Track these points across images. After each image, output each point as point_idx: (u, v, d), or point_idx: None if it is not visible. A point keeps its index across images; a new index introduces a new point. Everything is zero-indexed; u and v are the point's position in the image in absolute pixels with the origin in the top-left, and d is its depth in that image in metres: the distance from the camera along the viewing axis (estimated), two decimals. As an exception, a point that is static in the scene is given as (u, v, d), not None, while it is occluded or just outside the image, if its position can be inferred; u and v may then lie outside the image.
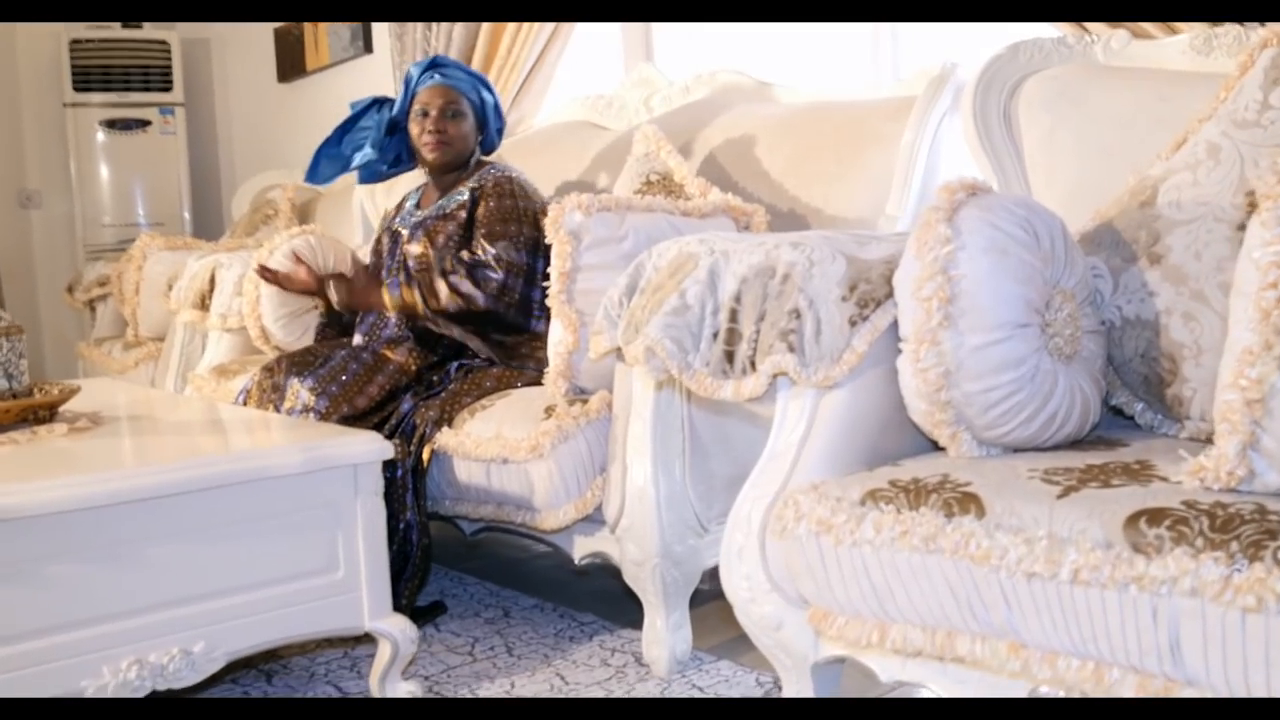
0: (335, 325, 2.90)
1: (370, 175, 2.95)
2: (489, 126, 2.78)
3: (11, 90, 5.25)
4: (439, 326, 2.51)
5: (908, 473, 1.50)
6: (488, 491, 2.21)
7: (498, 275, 2.49)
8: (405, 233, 2.71)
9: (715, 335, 1.71)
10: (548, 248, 2.60)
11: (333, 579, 1.87)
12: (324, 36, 4.69)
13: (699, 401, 2.07)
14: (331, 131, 2.95)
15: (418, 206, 2.80)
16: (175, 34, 5.23)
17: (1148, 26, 2.14)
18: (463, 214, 2.62)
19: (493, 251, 2.51)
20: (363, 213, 3.98)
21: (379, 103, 2.87)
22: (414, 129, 2.74)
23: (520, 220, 2.58)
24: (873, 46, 2.88)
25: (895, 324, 1.60)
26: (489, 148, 2.81)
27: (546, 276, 2.59)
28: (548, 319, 2.59)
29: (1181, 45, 2.01)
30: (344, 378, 2.43)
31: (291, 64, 4.93)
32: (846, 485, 1.52)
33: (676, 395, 2.04)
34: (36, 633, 1.60)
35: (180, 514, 1.71)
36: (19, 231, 5.32)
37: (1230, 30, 1.95)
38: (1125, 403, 1.72)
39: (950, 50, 2.68)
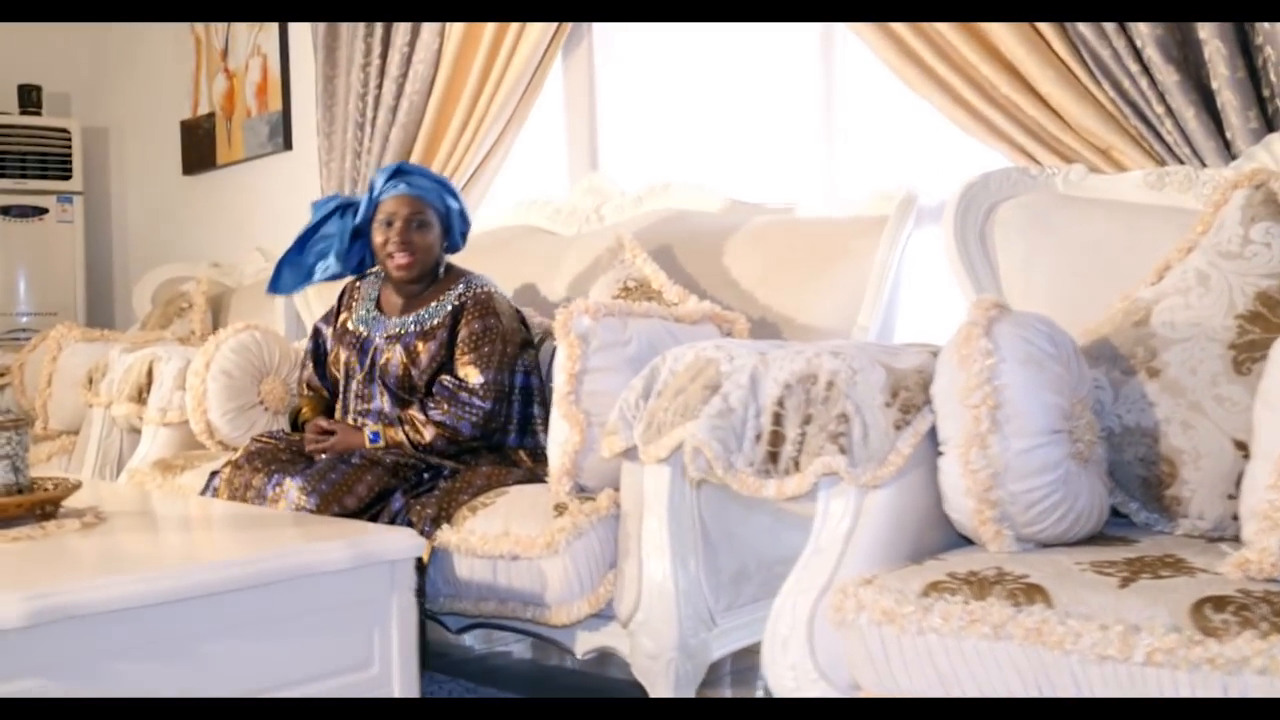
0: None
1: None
2: (454, 231, 2.79)
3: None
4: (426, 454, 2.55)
5: (958, 566, 1.63)
6: (491, 588, 2.24)
7: (485, 405, 2.55)
8: (378, 341, 2.72)
9: (758, 437, 1.82)
10: (526, 362, 2.71)
11: (368, 676, 1.88)
12: (238, 130, 4.68)
13: (707, 499, 2.16)
14: (293, 241, 2.88)
15: (378, 308, 2.80)
16: (76, 122, 5.13)
17: (1100, 160, 2.38)
18: (443, 332, 2.64)
19: (480, 380, 2.56)
20: (293, 307, 3.96)
21: (342, 207, 2.83)
22: (378, 238, 2.71)
23: (505, 340, 2.63)
24: (824, 163, 3.08)
25: (933, 429, 1.75)
26: (453, 248, 2.83)
27: (527, 391, 2.69)
28: (531, 432, 2.66)
29: (1136, 180, 2.25)
30: (333, 476, 2.42)
31: (199, 157, 4.89)
32: (903, 578, 1.63)
33: (689, 493, 2.13)
34: (95, 734, 1.57)
35: (230, 611, 1.70)
36: (-113, 316, 5.06)
37: (1179, 170, 2.21)
38: (1121, 502, 1.89)
39: (888, 174, 2.91)
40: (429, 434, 2.52)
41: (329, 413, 2.83)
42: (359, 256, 2.86)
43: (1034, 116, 2.47)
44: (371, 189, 2.76)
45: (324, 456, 2.54)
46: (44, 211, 4.95)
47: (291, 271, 2.89)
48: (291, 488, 2.41)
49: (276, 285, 2.93)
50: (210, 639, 1.68)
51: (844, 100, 3.01)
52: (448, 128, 3.70)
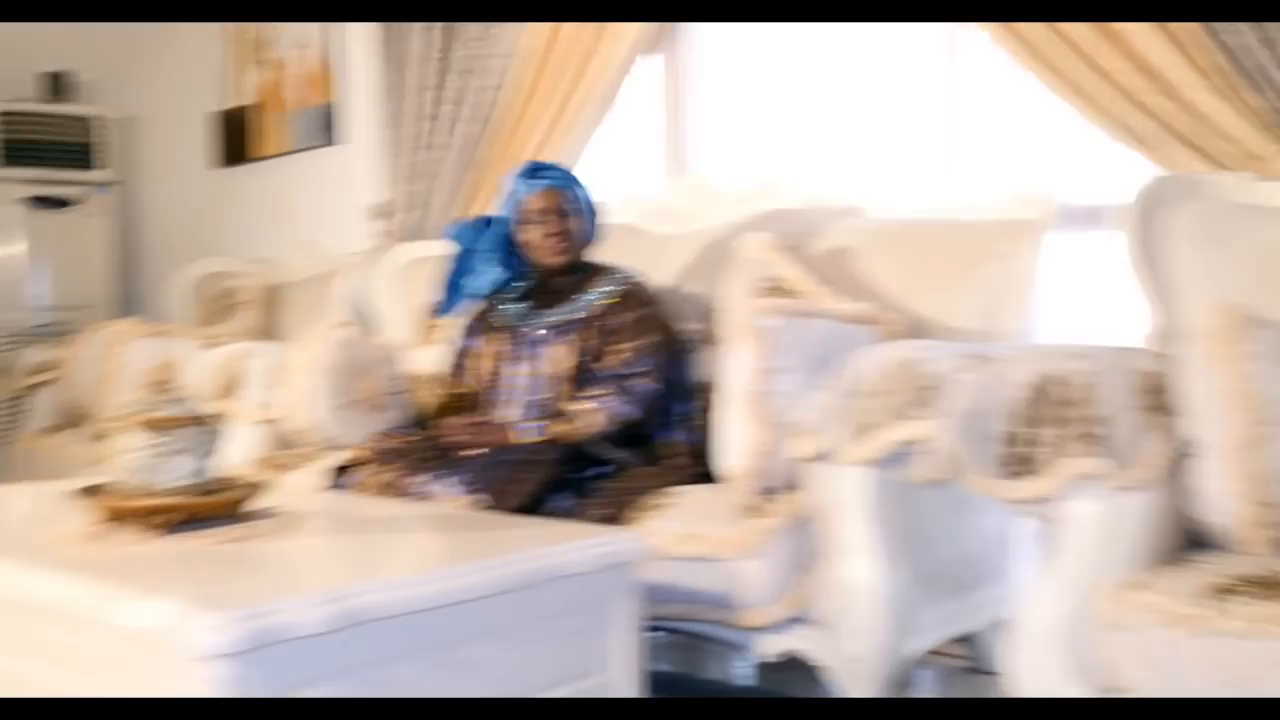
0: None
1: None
2: (589, 221, 2.81)
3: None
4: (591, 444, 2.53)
5: (1225, 569, 1.64)
6: (673, 590, 2.21)
7: (651, 388, 2.56)
8: (533, 333, 2.73)
9: (999, 438, 1.82)
10: (679, 355, 2.70)
11: (599, 681, 1.84)
12: (280, 123, 4.57)
13: (901, 500, 2.16)
14: (453, 263, 2.90)
15: (527, 303, 2.81)
16: (108, 111, 4.97)
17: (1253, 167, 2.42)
18: (601, 321, 2.67)
19: (644, 366, 2.58)
20: (354, 306, 3.88)
21: (481, 223, 2.87)
22: (531, 235, 2.74)
23: (661, 329, 2.67)
24: (942, 165, 3.09)
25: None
26: (589, 241, 2.83)
27: (679, 384, 2.67)
28: (681, 427, 2.65)
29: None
30: (496, 473, 2.38)
31: (234, 149, 4.77)
32: (1176, 581, 1.64)
33: (887, 495, 2.12)
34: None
35: (489, 614, 1.66)
36: (-92, 310, 4.86)
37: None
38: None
39: (1004, 178, 2.94)
40: (600, 420, 2.50)
41: (462, 413, 2.78)
42: (516, 265, 2.85)
43: (1182, 121, 2.50)
44: (513, 193, 2.78)
45: (475, 452, 2.49)
46: (74, 203, 4.80)
47: (457, 292, 2.90)
48: (453, 485, 2.36)
49: (447, 308, 2.94)
50: (472, 642, 1.64)
51: (967, 102, 3.03)
52: (526, 124, 3.65)
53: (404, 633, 1.53)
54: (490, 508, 2.30)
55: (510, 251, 2.82)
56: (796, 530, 2.17)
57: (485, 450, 2.50)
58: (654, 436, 2.61)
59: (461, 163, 3.79)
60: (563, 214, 2.72)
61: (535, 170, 2.77)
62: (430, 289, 3.45)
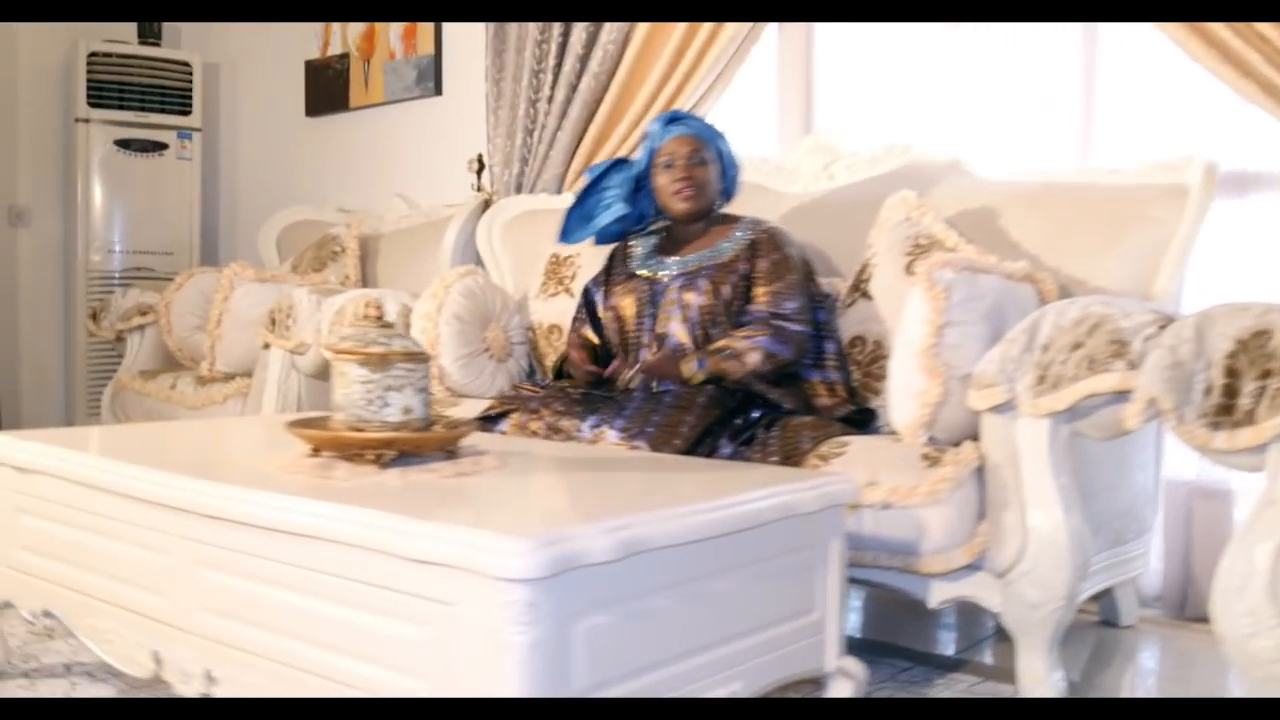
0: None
1: (609, 236, 2.94)
2: (728, 175, 2.85)
3: (9, 101, 4.84)
4: (740, 383, 2.56)
5: None
6: (854, 536, 2.26)
7: (801, 329, 2.62)
8: (671, 280, 2.76)
9: (1208, 390, 1.87)
10: (820, 297, 2.76)
11: (810, 620, 1.89)
12: (377, 73, 4.58)
13: (1073, 451, 2.20)
14: (576, 196, 2.96)
15: (660, 253, 2.84)
16: (197, 55, 4.97)
17: None
18: (740, 265, 2.72)
19: (792, 305, 2.64)
20: (462, 254, 3.91)
21: (618, 164, 2.92)
22: (661, 180, 2.80)
23: (800, 271, 2.72)
24: (1080, 129, 3.12)
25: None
26: (726, 194, 2.88)
27: (821, 324, 2.72)
28: (824, 366, 2.70)
29: None
30: (655, 418, 2.42)
31: (327, 98, 4.77)
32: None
33: (1063, 445, 2.16)
34: (640, 670, 1.57)
35: (728, 551, 1.70)
36: (2, 250, 4.87)
37: None
38: None
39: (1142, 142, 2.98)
40: (756, 358, 2.55)
41: (601, 364, 2.83)
42: (642, 208, 2.92)
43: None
44: (650, 138, 2.84)
45: (634, 398, 2.53)
46: (164, 147, 4.80)
47: (578, 221, 2.94)
48: (610, 431, 2.40)
49: (567, 236, 2.97)
50: (716, 577, 1.68)
51: (1106, 69, 3.05)
52: (644, 80, 3.67)
53: (661, 566, 1.57)
54: (654, 451, 2.34)
55: (640, 194, 2.88)
56: (973, 480, 2.21)
57: (655, 382, 2.56)
58: (800, 375, 2.66)
59: (574, 118, 3.80)
60: (694, 162, 2.76)
61: (674, 118, 2.83)
62: (542, 242, 3.50)
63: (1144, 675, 2.60)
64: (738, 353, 2.57)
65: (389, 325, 1.99)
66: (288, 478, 1.82)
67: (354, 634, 1.56)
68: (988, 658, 2.65)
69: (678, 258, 2.81)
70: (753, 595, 1.76)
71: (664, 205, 2.83)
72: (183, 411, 3.76)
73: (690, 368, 2.57)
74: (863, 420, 2.61)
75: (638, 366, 2.61)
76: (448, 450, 2.00)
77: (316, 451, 1.98)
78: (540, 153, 3.90)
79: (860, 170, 3.22)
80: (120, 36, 4.90)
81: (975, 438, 2.27)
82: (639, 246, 2.91)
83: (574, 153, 3.85)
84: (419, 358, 1.97)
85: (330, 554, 1.59)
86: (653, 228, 2.93)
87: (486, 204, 4.07)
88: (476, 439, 2.27)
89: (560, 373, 2.95)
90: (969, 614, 2.86)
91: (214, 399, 3.67)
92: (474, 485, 1.80)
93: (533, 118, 3.92)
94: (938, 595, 2.28)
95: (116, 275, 4.74)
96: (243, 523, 1.69)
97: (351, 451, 1.91)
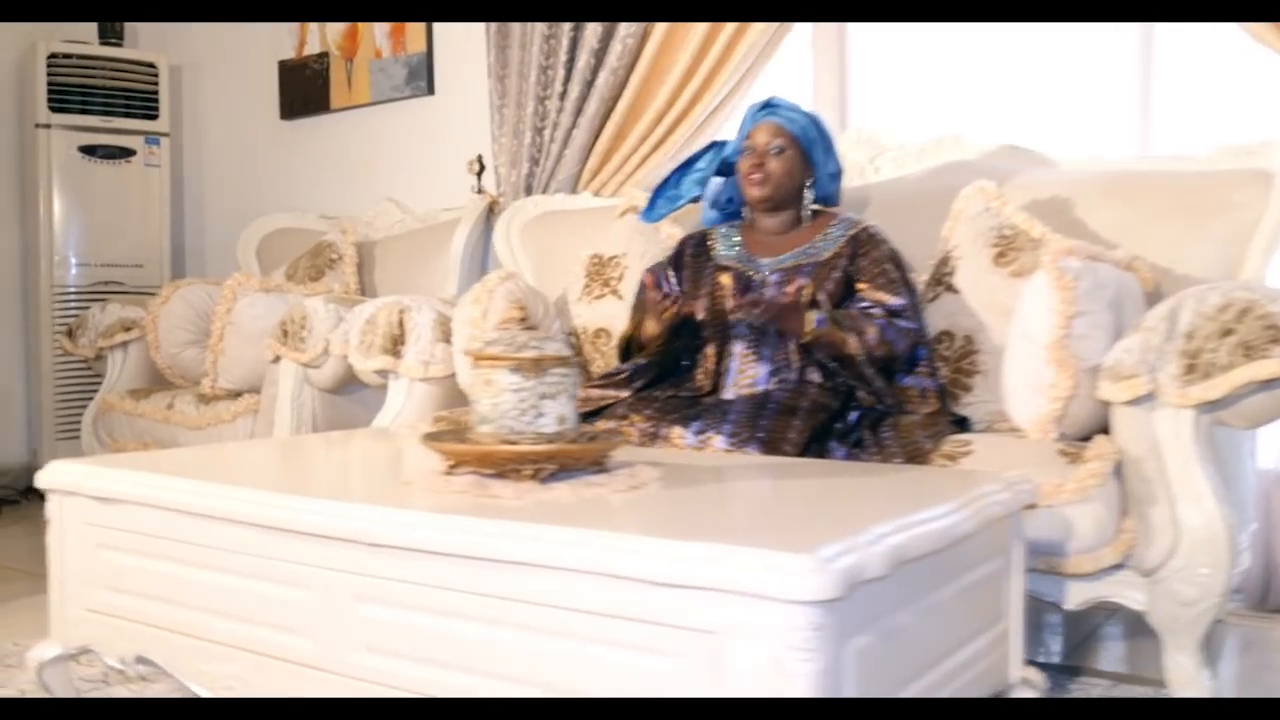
0: (649, 374, 2.70)
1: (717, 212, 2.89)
2: (819, 170, 2.73)
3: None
4: (842, 369, 2.46)
5: None
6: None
7: (912, 324, 2.54)
8: (769, 276, 2.66)
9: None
10: (919, 297, 2.68)
11: (999, 630, 1.80)
12: (362, 73, 4.36)
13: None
14: (667, 174, 2.88)
15: (746, 250, 2.74)
16: (163, 56, 4.66)
17: None
18: (841, 261, 2.63)
19: (900, 302, 2.55)
20: (466, 264, 3.75)
21: (716, 145, 2.84)
22: (741, 165, 2.73)
23: (903, 268, 2.64)
24: (1136, 117, 3.09)
25: None
26: (822, 193, 2.76)
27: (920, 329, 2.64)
28: (912, 373, 2.60)
29: None
30: (763, 423, 2.31)
31: (304, 100, 4.53)
32: None
33: (1206, 436, 2.11)
34: (890, 691, 1.46)
35: (952, 560, 1.60)
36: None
37: None
38: None
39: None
40: (872, 337, 2.46)
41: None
42: (729, 193, 2.86)
43: None
44: (743, 124, 2.76)
45: (734, 403, 2.41)
46: (131, 153, 4.50)
47: (665, 201, 2.88)
48: (720, 437, 2.29)
49: (651, 213, 2.90)
50: (941, 587, 1.58)
51: (1162, 57, 3.04)
52: (665, 76, 3.56)
53: (909, 579, 1.47)
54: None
55: (727, 180, 2.84)
56: (1114, 476, 2.15)
57: (775, 321, 2.47)
58: (894, 380, 2.57)
59: (590, 114, 3.66)
60: (772, 151, 2.67)
61: (768, 104, 2.74)
62: (565, 243, 3.38)
63: (1258, 670, 2.58)
64: (858, 326, 2.46)
65: (534, 327, 1.84)
66: (457, 499, 1.66)
67: (574, 667, 1.42)
68: (1100, 661, 2.59)
69: (770, 259, 2.70)
70: (964, 607, 1.66)
71: (742, 191, 2.75)
72: (184, 433, 3.52)
73: (811, 321, 2.46)
74: (960, 424, 2.54)
75: (763, 302, 2.45)
76: (597, 462, 1.86)
77: (454, 468, 1.83)
78: (553, 152, 3.75)
79: (908, 163, 3.16)
80: (80, 37, 4.59)
81: (1099, 432, 2.22)
82: (719, 245, 2.79)
83: (590, 151, 3.71)
84: (571, 362, 1.83)
85: (539, 581, 1.44)
86: (724, 228, 2.83)
87: (491, 207, 3.91)
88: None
89: (627, 353, 2.79)
90: (1073, 618, 2.78)
91: (221, 418, 3.44)
92: (660, 500, 1.67)
93: (542, 115, 3.76)
94: (1076, 597, 2.21)
95: (83, 290, 4.42)
96: (424, 550, 1.53)
97: (508, 467, 1.75)
